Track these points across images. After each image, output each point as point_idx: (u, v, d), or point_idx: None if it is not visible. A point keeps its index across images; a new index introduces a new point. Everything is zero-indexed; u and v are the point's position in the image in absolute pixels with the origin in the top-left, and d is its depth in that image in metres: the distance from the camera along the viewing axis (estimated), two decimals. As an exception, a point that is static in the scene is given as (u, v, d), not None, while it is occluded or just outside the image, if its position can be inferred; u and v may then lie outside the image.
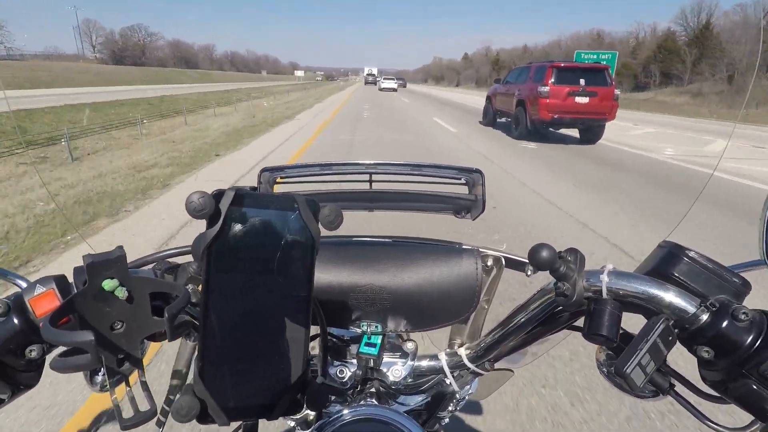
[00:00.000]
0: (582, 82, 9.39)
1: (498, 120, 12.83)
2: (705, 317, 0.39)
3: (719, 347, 0.38)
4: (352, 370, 0.60)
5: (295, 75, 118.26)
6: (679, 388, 0.45)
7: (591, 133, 10.09)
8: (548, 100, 9.43)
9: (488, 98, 13.22)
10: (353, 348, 0.61)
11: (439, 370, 0.62)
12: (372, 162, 0.81)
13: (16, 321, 0.40)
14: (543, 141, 10.02)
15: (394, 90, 45.19)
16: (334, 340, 0.62)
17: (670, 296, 0.40)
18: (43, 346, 0.41)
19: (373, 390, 0.58)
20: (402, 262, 0.58)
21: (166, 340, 0.37)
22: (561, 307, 0.46)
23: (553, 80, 9.43)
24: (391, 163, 0.81)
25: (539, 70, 9.98)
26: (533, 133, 10.08)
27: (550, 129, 10.31)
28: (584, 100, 9.38)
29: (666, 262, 0.46)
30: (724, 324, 0.38)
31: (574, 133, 10.75)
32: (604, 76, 9.51)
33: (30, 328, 0.40)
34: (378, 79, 58.59)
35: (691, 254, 0.45)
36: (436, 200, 0.82)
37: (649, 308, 0.41)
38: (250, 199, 0.35)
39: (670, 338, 0.39)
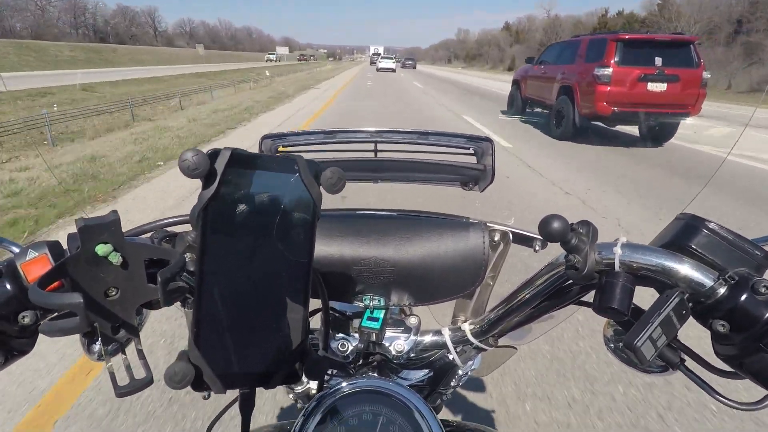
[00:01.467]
0: (658, 61, 6.70)
1: (528, 110, 10.14)
2: (723, 290, 0.38)
3: (736, 321, 0.38)
4: (354, 344, 0.60)
5: (275, 53, 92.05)
6: (689, 363, 0.44)
7: (660, 131, 7.44)
8: (609, 87, 6.77)
9: (515, 83, 10.48)
10: (355, 322, 0.61)
11: (442, 345, 0.62)
12: (377, 129, 0.78)
13: (8, 286, 0.39)
14: (589, 140, 7.43)
15: (393, 70, 41.57)
16: (336, 314, 0.62)
17: (686, 269, 0.40)
18: (36, 312, 0.40)
19: (375, 364, 0.58)
20: (407, 235, 0.58)
21: (162, 308, 0.38)
22: (570, 281, 0.46)
23: (616, 59, 6.74)
24: (397, 131, 0.79)
25: (594, 45, 7.26)
26: (582, 130, 7.45)
27: (603, 125, 7.70)
28: (660, 87, 6.71)
29: (683, 234, 0.44)
30: (743, 297, 0.37)
31: (631, 129, 8.08)
32: (690, 53, 6.78)
33: (22, 293, 0.39)
34: (378, 59, 52.85)
35: (711, 226, 0.43)
36: (444, 170, 0.79)
37: (664, 281, 0.41)
38: (248, 159, 0.34)
39: (684, 312, 0.39)
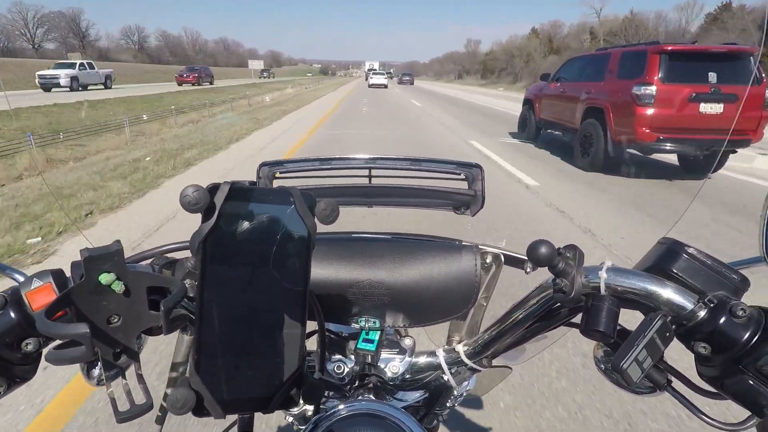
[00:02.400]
0: (712, 77, 5.49)
1: (542, 131, 8.92)
2: (703, 313, 0.39)
3: (716, 343, 0.39)
4: (350, 365, 0.60)
5: (269, 69, 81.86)
6: (676, 384, 0.45)
7: (706, 160, 6.19)
8: (652, 109, 5.55)
9: (527, 102, 9.28)
10: (351, 344, 0.61)
11: (437, 367, 0.62)
12: (371, 156, 0.81)
13: (12, 315, 0.40)
14: (621, 170, 6.18)
15: (385, 86, 39.68)
16: (332, 335, 0.62)
17: (668, 292, 0.41)
18: (39, 340, 0.41)
19: (370, 386, 0.58)
20: (401, 257, 0.58)
21: (162, 334, 0.39)
22: (559, 304, 0.47)
23: (660, 75, 5.53)
24: (391, 158, 0.82)
25: (630, 58, 6.06)
26: (614, 159, 6.21)
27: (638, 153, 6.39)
28: (716, 108, 5.49)
29: (665, 259, 0.45)
30: (722, 320, 0.38)
31: (668, 156, 6.84)
32: (749, 66, 5.58)
33: (26, 321, 0.40)
34: (369, 75, 48.10)
35: (690, 251, 0.45)
36: (436, 195, 0.81)
37: (647, 304, 0.42)
38: (245, 193, 0.35)
39: (668, 334, 0.40)
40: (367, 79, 45.54)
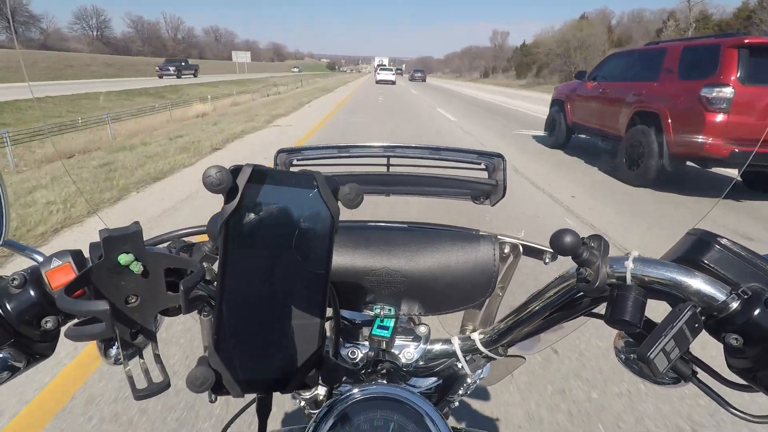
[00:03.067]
0: (805, 78, 4.45)
1: (574, 135, 7.88)
2: (735, 305, 0.39)
3: (750, 335, 0.38)
4: (364, 351, 0.60)
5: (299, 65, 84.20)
6: (701, 375, 0.44)
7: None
8: (727, 115, 4.52)
9: (556, 103, 8.20)
10: (365, 330, 0.61)
11: (452, 354, 0.62)
12: (390, 144, 0.80)
13: (32, 293, 0.41)
14: (675, 186, 5.16)
15: (393, 83, 37.45)
16: (347, 322, 0.62)
17: (699, 283, 0.40)
18: (58, 318, 0.42)
19: (384, 371, 0.58)
20: (418, 246, 0.58)
21: (179, 315, 0.40)
22: (581, 294, 0.47)
23: (739, 74, 4.50)
24: (410, 146, 0.80)
25: (699, 53, 5.00)
26: (669, 174, 5.18)
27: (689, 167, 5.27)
28: (807, 116, 4.45)
29: (695, 249, 0.44)
30: (756, 312, 0.37)
31: (726, 169, 5.77)
32: None
33: (46, 299, 0.41)
34: (377, 70, 43.78)
35: (723, 241, 0.44)
36: (455, 184, 0.79)
37: (676, 295, 0.41)
38: (268, 175, 0.35)
39: (696, 325, 0.39)
40: (376, 74, 42.02)
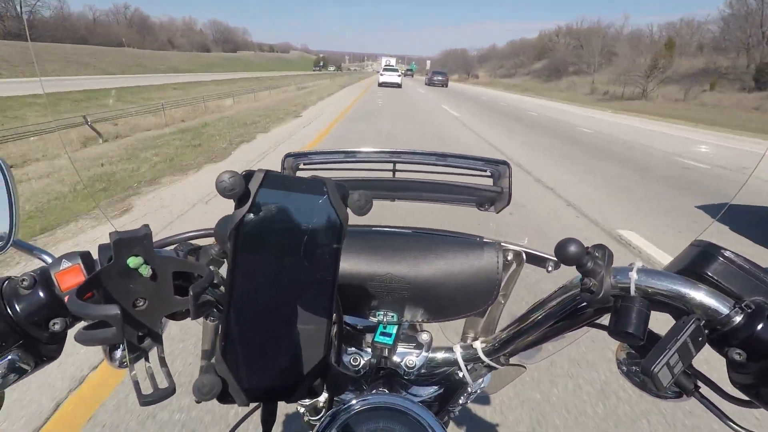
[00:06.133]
0: None
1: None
2: (739, 318, 0.38)
3: (753, 349, 0.38)
4: (366, 358, 0.60)
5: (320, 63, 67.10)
6: (704, 390, 0.44)
7: None
8: None
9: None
10: (368, 337, 0.61)
11: (453, 363, 0.61)
12: (396, 150, 0.79)
13: (41, 294, 0.41)
14: None
15: (398, 85, 32.25)
16: (349, 328, 0.62)
17: (702, 295, 0.40)
18: (66, 320, 0.42)
19: (386, 379, 0.58)
20: (422, 252, 0.58)
21: (187, 319, 0.40)
22: (584, 304, 0.46)
23: None
24: (416, 152, 0.80)
25: None
26: None
27: None
28: None
29: (699, 261, 0.44)
30: (760, 326, 0.37)
31: None
32: None
33: (55, 301, 0.41)
34: (383, 71, 36.45)
35: (727, 254, 0.43)
36: (460, 191, 0.80)
37: (679, 307, 0.41)
38: (279, 181, 0.35)
39: (700, 339, 0.39)
40: (380, 85, 33.41)
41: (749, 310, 0.38)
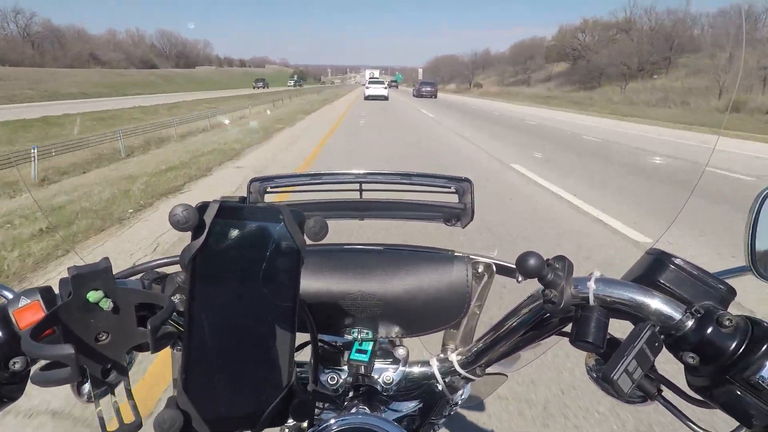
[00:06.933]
0: None
1: None
2: (690, 323, 0.40)
3: (704, 353, 0.39)
4: (344, 377, 0.60)
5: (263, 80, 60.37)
6: (667, 393, 0.45)
7: None
8: None
9: None
10: (345, 355, 0.61)
11: (431, 376, 0.62)
12: (362, 171, 0.81)
13: None
14: None
15: (385, 98, 31.05)
16: (325, 347, 0.62)
17: (656, 303, 0.41)
18: (27, 359, 0.41)
19: (364, 397, 0.58)
20: (392, 268, 0.59)
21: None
22: (549, 314, 0.47)
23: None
24: (381, 173, 0.82)
25: None
26: None
27: None
28: None
29: (653, 269, 0.46)
30: (709, 330, 0.39)
31: None
32: None
33: (14, 340, 0.40)
34: (367, 84, 36.25)
35: (677, 261, 0.45)
36: (426, 209, 0.83)
37: (636, 315, 0.42)
38: (234, 211, 0.36)
39: (657, 344, 0.40)
40: (366, 98, 32.08)
41: (699, 315, 0.40)
